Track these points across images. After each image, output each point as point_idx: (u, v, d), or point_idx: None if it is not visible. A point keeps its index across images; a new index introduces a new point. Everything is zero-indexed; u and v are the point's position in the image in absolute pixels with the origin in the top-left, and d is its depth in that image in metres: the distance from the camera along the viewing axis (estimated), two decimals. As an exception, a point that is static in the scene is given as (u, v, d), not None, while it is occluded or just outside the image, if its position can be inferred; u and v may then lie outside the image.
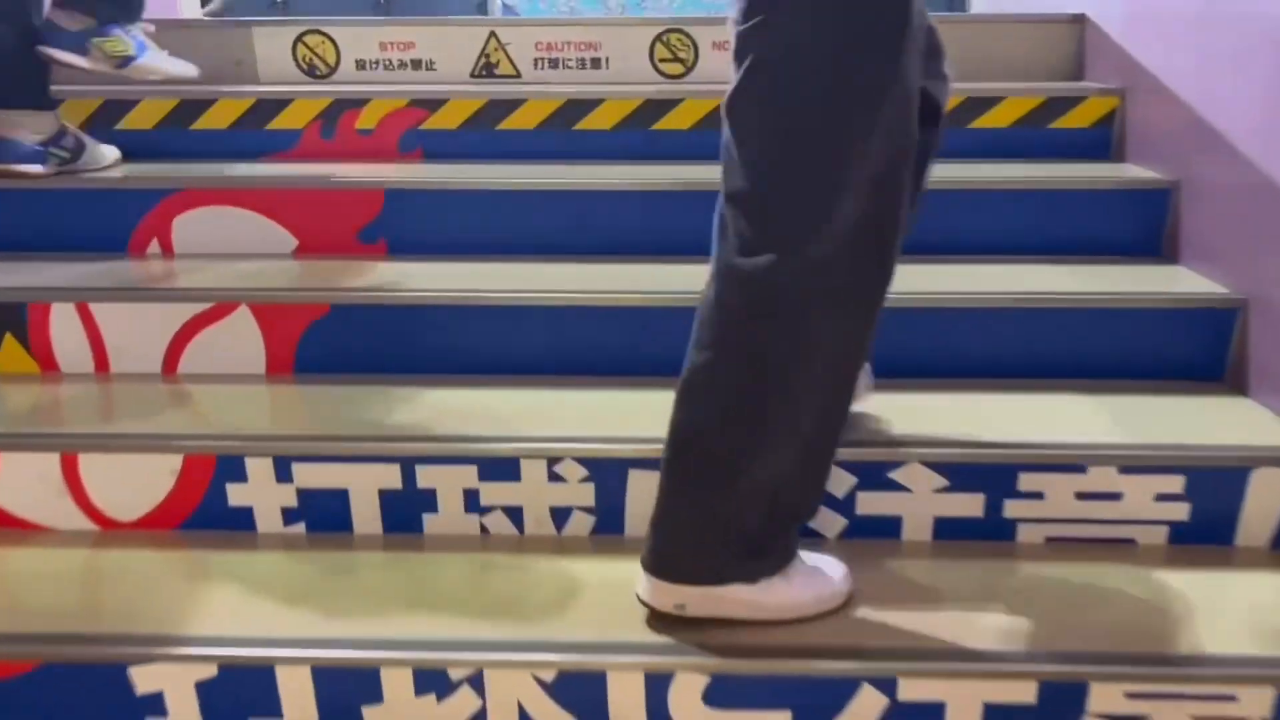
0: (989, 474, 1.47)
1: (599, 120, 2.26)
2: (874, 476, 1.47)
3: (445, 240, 2.02)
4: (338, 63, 2.52)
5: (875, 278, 1.16)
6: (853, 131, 1.09)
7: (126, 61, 2.10)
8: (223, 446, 1.52)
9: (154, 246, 2.06)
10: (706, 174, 1.30)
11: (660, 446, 1.22)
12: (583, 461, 1.49)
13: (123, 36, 2.09)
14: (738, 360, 1.15)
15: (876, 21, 1.08)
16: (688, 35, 2.48)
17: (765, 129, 1.11)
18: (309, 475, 1.52)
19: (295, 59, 2.52)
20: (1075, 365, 1.73)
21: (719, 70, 2.48)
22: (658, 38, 2.49)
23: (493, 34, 2.50)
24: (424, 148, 2.28)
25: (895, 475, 1.47)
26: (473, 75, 2.52)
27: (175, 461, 1.51)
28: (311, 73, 2.53)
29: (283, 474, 1.51)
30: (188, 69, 2.22)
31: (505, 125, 2.26)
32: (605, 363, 1.75)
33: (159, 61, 2.15)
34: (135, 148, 2.25)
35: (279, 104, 2.27)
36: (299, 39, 2.50)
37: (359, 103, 2.26)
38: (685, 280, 1.58)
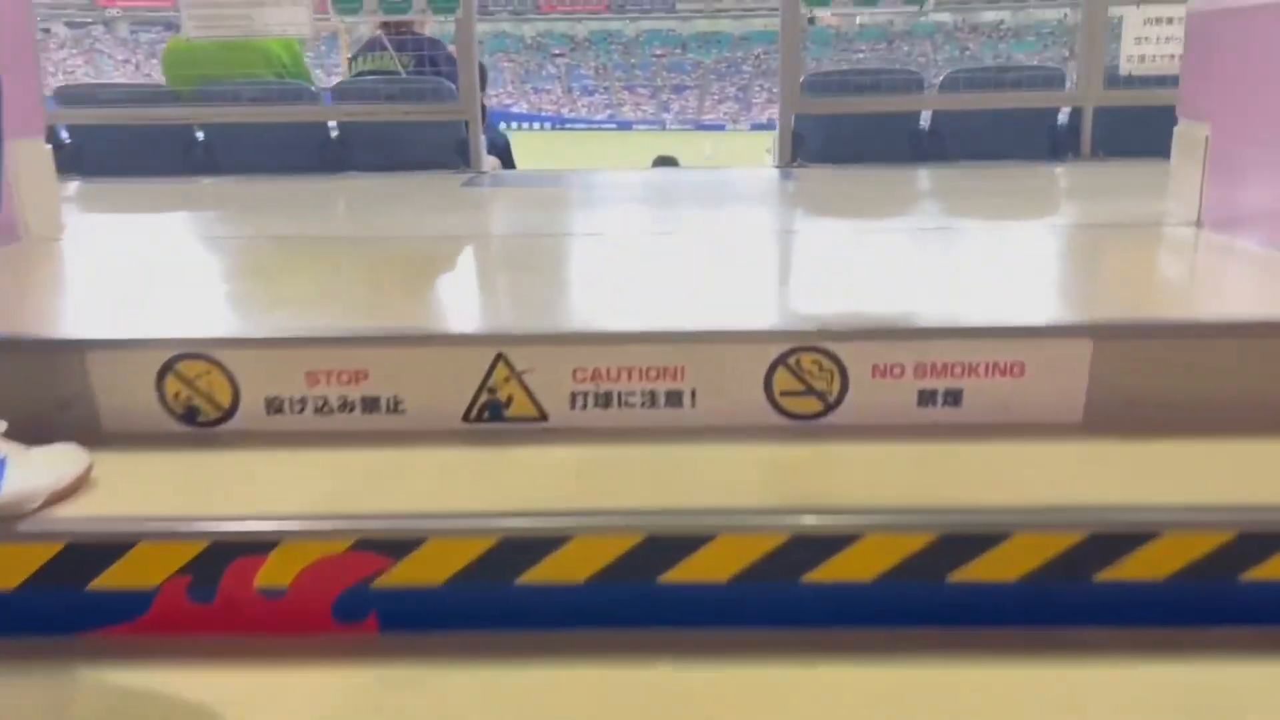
0: None
1: (705, 567, 1.23)
2: None
3: None
4: (235, 402, 1.47)
5: None
6: None
7: None
8: None
9: None
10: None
11: None
12: None
13: None
14: None
15: None
16: (830, 355, 1.46)
17: None
18: None
19: (162, 398, 1.47)
20: None
21: (875, 408, 1.47)
22: (780, 360, 1.47)
23: (500, 357, 1.46)
24: (381, 615, 1.25)
25: None
26: (467, 419, 1.49)
27: None
28: (190, 419, 1.48)
29: None
30: (72, 463, 1.30)
31: (531, 578, 1.23)
32: None
33: (30, 477, 1.24)
34: None
35: (110, 552, 1.22)
36: (167, 367, 1.46)
37: (259, 548, 1.22)
38: None
